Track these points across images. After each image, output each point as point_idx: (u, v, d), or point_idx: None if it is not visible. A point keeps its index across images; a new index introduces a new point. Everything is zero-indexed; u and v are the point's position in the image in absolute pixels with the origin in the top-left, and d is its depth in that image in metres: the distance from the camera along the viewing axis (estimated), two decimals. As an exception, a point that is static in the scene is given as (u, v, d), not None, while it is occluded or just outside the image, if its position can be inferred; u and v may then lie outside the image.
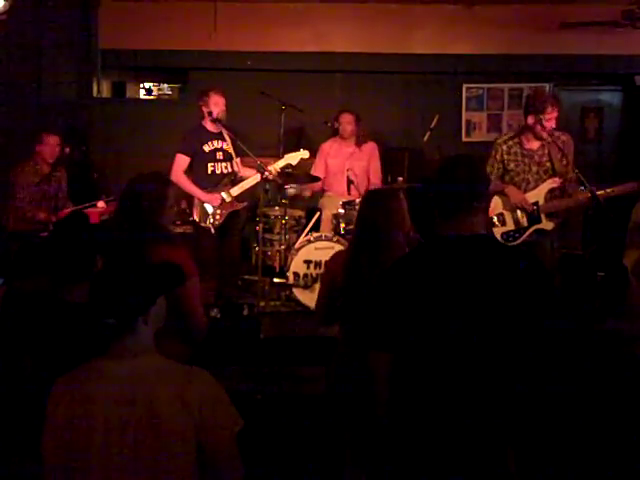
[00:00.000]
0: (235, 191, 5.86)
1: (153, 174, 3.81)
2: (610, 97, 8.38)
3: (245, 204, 6.06)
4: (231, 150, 5.91)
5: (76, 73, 7.71)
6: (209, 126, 5.85)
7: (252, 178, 5.94)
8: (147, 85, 9.33)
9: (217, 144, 5.85)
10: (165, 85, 9.32)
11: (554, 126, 5.08)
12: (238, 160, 5.98)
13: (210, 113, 5.77)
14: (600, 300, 3.64)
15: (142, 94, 9.38)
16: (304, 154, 6.11)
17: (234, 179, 5.92)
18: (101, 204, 6.12)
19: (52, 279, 2.81)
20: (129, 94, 9.17)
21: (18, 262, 3.37)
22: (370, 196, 3.57)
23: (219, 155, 5.86)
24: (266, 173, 5.80)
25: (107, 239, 3.26)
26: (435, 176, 2.54)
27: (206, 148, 5.81)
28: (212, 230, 5.75)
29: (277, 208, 6.54)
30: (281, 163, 5.98)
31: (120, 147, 7.60)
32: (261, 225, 6.36)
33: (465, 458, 2.33)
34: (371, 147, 6.68)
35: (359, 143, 6.62)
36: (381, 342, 2.46)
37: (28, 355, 2.72)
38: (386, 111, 7.81)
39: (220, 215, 5.81)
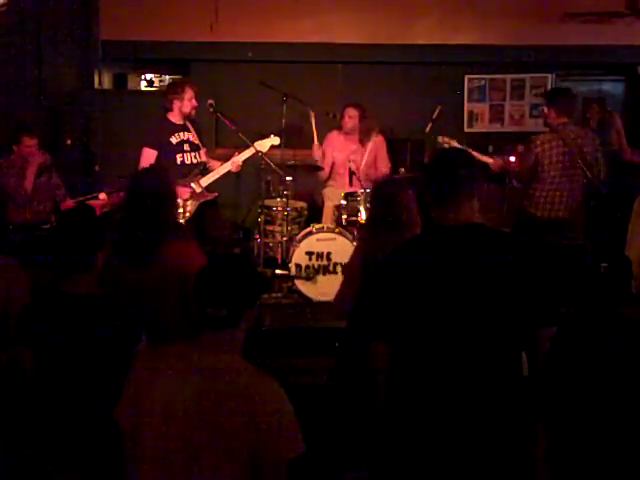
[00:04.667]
0: (204, 181, 5.87)
1: (157, 168, 3.81)
2: (612, 87, 8.36)
3: (216, 194, 6.02)
4: (197, 141, 5.92)
5: (77, 64, 7.69)
6: (174, 118, 5.85)
7: (222, 167, 5.94)
8: (148, 76, 9.31)
9: (183, 135, 5.86)
10: (166, 76, 9.29)
11: (546, 117, 5.33)
12: (203, 151, 6.01)
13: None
14: (605, 291, 3.63)
15: (143, 85, 9.37)
16: (274, 140, 6.04)
17: (203, 169, 5.92)
18: (103, 196, 6.10)
19: (53, 271, 2.81)
20: (130, 85, 9.15)
21: (20, 254, 3.38)
22: (392, 183, 3.58)
23: (186, 146, 5.87)
24: (235, 161, 5.84)
25: (120, 237, 3.25)
26: (431, 165, 2.55)
27: (173, 140, 5.82)
28: (182, 222, 5.74)
29: (279, 199, 6.52)
30: (247, 153, 5.93)
31: (121, 139, 7.58)
32: (262, 217, 6.35)
33: (474, 446, 2.33)
34: (377, 141, 6.64)
35: (363, 140, 6.58)
36: (379, 333, 2.46)
37: (28, 349, 2.72)
38: (388, 102, 7.79)
39: (191, 206, 5.82)
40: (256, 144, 5.93)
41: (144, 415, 2.16)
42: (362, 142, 6.59)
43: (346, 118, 6.54)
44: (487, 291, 2.32)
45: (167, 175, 3.70)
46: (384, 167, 6.68)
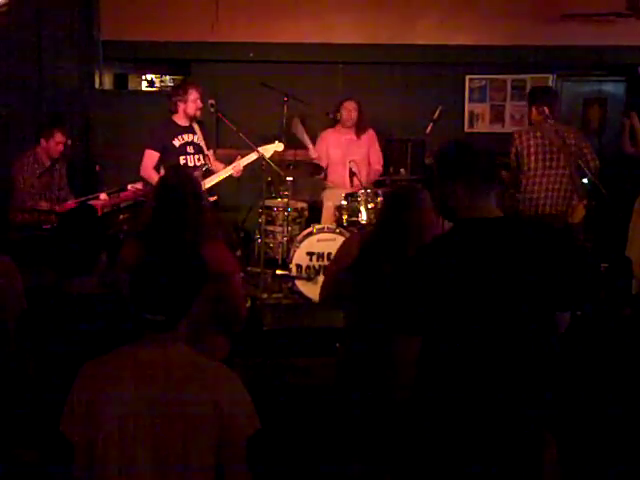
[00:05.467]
0: (205, 184, 5.83)
1: (183, 167, 3.74)
2: (613, 88, 8.35)
3: (215, 197, 6.00)
4: (202, 143, 5.91)
5: (77, 65, 7.68)
6: (179, 120, 5.84)
7: (224, 171, 5.91)
8: (149, 77, 9.31)
9: (187, 137, 5.85)
10: (167, 77, 9.29)
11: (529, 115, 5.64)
12: (210, 152, 5.99)
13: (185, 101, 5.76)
14: (605, 291, 3.64)
15: (144, 86, 9.36)
16: (278, 146, 6.02)
17: (205, 172, 5.90)
18: (103, 196, 6.09)
19: (56, 272, 2.81)
20: (131, 86, 9.15)
21: (21, 254, 3.37)
22: (402, 195, 3.55)
23: (190, 148, 5.86)
24: (236, 166, 5.82)
25: (158, 240, 3.17)
26: (455, 157, 2.50)
27: (176, 142, 5.81)
28: None
29: (279, 200, 6.53)
30: (250, 158, 5.91)
31: (122, 139, 7.58)
32: (263, 217, 6.35)
33: (496, 444, 2.34)
34: (370, 134, 6.75)
35: (359, 132, 6.67)
36: (411, 325, 2.45)
37: (29, 351, 2.72)
38: (388, 102, 7.79)
39: None
40: (260, 149, 5.91)
41: (104, 424, 2.12)
42: (358, 135, 6.68)
43: (346, 112, 6.61)
44: (526, 282, 2.32)
45: (194, 176, 3.68)
46: (377, 162, 6.78)
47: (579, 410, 2.73)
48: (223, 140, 7.49)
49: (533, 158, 5.35)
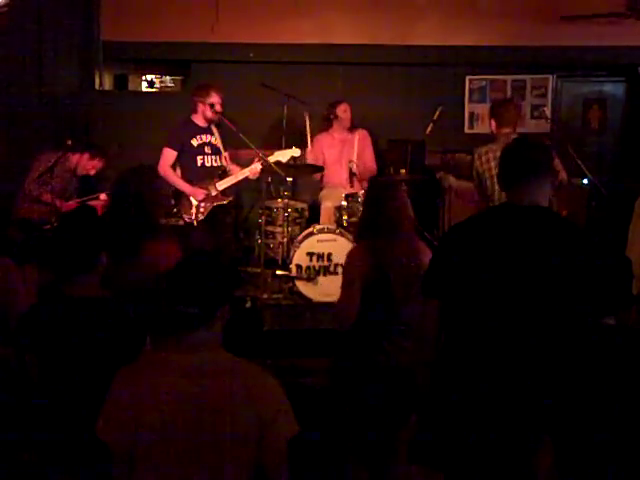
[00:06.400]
0: (221, 185, 5.87)
1: (143, 168, 3.86)
2: (613, 88, 8.34)
3: (230, 198, 6.04)
4: (219, 144, 5.94)
5: (77, 65, 7.68)
6: (198, 120, 5.89)
7: (240, 173, 5.96)
8: (149, 77, 9.30)
9: (205, 138, 5.91)
10: (167, 77, 9.28)
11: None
12: (226, 154, 6.01)
13: (212, 105, 5.79)
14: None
15: (144, 86, 9.35)
16: (295, 152, 6.05)
17: (222, 173, 5.94)
18: (103, 196, 6.11)
19: (55, 272, 2.81)
20: (131, 86, 9.13)
21: (22, 254, 3.38)
22: (381, 186, 3.59)
23: (207, 149, 5.92)
24: (253, 168, 5.84)
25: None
26: (510, 148, 2.82)
27: (194, 142, 5.86)
28: (194, 223, 5.75)
29: (279, 200, 6.52)
30: (270, 160, 5.92)
31: (122, 140, 7.57)
32: (263, 217, 6.35)
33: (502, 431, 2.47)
34: (362, 134, 6.88)
35: (351, 131, 6.83)
36: (433, 289, 2.65)
37: (31, 351, 2.72)
38: (388, 103, 7.79)
39: (204, 209, 5.81)
40: (277, 153, 5.97)
41: (142, 435, 2.12)
42: (351, 135, 6.84)
43: (342, 114, 6.72)
44: (539, 268, 2.45)
45: (151, 177, 3.78)
46: (371, 160, 6.90)
47: (578, 415, 2.74)
48: (223, 140, 7.50)
49: (496, 180, 5.10)
